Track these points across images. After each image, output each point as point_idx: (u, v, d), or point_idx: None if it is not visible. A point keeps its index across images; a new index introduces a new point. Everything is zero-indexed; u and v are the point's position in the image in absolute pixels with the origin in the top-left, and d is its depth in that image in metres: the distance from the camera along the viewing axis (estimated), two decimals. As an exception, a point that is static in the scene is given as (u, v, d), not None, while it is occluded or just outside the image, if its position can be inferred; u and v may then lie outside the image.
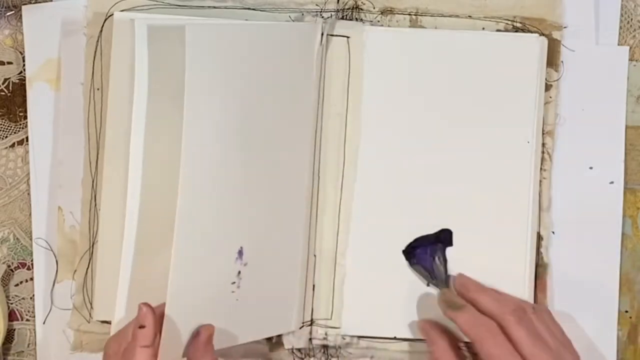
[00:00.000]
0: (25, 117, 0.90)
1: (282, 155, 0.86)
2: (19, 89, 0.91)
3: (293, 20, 0.89)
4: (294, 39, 0.86)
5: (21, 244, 0.92)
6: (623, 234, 0.92)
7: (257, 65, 0.83)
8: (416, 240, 0.89)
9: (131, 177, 0.81)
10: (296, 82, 0.86)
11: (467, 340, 0.85)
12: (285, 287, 0.88)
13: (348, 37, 0.89)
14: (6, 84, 0.91)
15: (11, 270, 0.92)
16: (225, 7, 0.89)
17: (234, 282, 0.83)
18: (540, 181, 0.91)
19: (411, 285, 0.90)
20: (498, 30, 0.91)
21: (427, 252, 0.89)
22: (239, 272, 0.83)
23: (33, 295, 0.91)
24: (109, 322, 0.88)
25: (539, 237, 0.92)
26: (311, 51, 0.87)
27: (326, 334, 0.90)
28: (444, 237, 0.89)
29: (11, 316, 0.92)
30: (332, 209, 0.90)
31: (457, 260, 0.90)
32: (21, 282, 0.92)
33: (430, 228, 0.90)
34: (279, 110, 0.85)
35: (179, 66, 0.77)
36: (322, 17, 0.89)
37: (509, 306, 0.81)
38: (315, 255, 0.90)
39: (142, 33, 0.80)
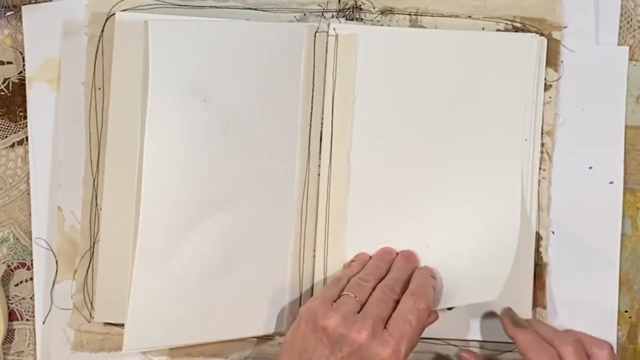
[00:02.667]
0: (25, 117, 0.91)
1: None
2: (19, 88, 0.91)
3: (298, 21, 0.91)
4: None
5: (21, 243, 0.92)
6: (623, 234, 0.93)
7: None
8: None
9: (145, 175, 0.82)
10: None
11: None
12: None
13: (347, 36, 0.90)
14: (6, 83, 0.91)
15: (11, 270, 0.92)
16: (227, 7, 0.90)
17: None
18: (540, 181, 0.92)
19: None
20: (498, 30, 0.92)
21: None
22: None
23: (33, 295, 0.91)
24: (111, 324, 0.91)
25: (539, 237, 0.92)
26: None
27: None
28: None
29: (11, 316, 0.92)
30: (324, 209, 0.91)
31: (457, 260, 0.90)
32: (21, 282, 0.92)
33: (427, 227, 0.91)
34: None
35: (192, 65, 0.83)
36: (324, 16, 0.91)
37: (568, 337, 0.84)
38: (314, 256, 0.91)
39: (157, 34, 0.82)
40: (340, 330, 0.79)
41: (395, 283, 0.85)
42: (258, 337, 0.91)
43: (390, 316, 0.82)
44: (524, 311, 0.91)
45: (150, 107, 0.81)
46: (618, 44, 0.93)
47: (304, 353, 0.79)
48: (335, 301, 0.83)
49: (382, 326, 0.80)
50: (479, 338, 0.92)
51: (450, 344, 0.92)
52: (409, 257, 0.89)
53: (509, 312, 0.89)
